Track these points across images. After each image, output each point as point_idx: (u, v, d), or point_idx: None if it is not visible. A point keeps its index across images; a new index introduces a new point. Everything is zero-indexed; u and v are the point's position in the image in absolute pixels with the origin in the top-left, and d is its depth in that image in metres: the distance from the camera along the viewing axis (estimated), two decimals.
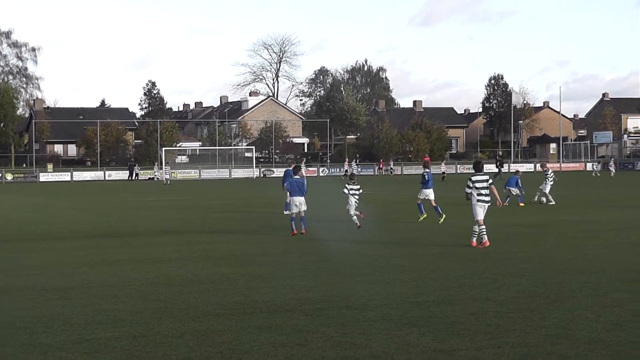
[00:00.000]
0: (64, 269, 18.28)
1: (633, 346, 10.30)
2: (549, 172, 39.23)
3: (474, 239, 21.22)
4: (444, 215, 28.19)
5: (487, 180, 21.42)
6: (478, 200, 21.15)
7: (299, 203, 25.14)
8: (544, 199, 38.27)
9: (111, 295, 14.71)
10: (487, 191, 21.24)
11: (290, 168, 32.53)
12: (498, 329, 11.33)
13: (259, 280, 16.18)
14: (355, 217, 26.90)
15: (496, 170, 76.83)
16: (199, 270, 17.82)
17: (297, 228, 24.70)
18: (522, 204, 36.66)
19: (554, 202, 37.43)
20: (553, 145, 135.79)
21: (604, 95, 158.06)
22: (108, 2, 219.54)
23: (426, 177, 29.62)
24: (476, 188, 21.20)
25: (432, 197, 29.39)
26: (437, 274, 16.69)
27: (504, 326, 11.53)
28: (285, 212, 30.67)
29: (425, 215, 29.20)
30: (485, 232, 21.08)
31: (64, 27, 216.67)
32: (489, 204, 21.38)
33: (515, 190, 37.64)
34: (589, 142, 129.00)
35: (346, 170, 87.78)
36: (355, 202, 27.29)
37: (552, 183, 38.46)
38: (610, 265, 17.54)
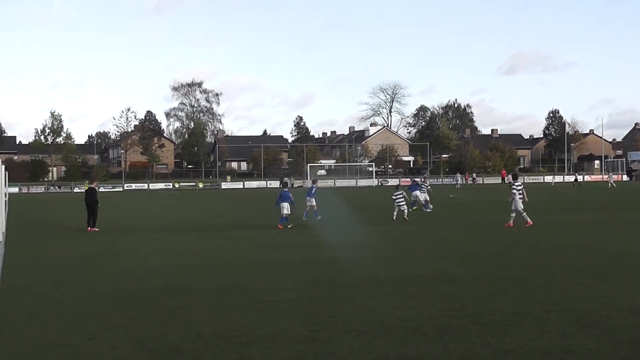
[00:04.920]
0: (238, 252, 18.65)
1: None
2: (427, 182, 37.67)
3: (528, 220, 24.43)
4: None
5: (521, 185, 25.12)
6: (519, 198, 24.70)
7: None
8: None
9: (274, 270, 14.92)
10: (521, 191, 24.88)
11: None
12: (559, 298, 11.07)
13: (382, 261, 16.17)
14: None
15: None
16: (338, 253, 17.94)
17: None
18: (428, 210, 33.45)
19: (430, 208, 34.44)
20: (597, 162, 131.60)
21: (636, 124, 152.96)
22: (268, 58, 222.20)
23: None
24: (517, 189, 24.75)
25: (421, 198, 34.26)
26: (514, 256, 16.41)
27: (563, 295, 11.26)
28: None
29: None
30: (526, 215, 24.53)
31: (242, 78, 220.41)
32: (522, 198, 24.84)
33: (423, 196, 34.41)
34: (624, 159, 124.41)
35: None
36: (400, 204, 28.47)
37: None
38: None
